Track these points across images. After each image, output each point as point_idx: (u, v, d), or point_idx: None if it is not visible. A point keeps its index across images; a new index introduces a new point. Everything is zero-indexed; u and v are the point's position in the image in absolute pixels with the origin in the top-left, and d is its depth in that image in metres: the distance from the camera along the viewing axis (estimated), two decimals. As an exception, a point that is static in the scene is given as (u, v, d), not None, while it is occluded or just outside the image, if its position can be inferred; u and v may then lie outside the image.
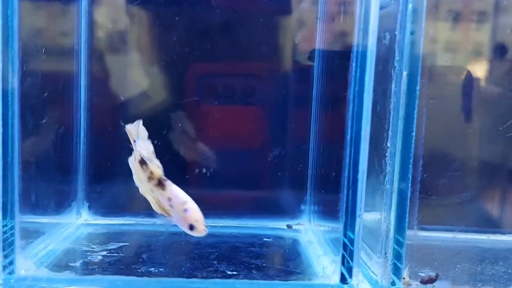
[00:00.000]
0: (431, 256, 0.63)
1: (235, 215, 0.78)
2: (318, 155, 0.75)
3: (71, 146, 0.75)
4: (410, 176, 0.51)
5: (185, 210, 0.48)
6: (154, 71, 0.78)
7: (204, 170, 0.77)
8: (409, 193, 0.51)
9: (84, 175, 0.76)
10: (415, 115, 0.50)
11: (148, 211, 0.77)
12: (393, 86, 0.52)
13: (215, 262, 0.59)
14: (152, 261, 0.59)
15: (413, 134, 0.51)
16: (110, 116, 0.77)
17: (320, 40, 0.73)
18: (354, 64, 0.51)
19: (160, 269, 0.57)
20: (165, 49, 0.76)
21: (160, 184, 0.49)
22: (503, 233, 0.74)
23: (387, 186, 0.53)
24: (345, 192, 0.53)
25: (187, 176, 0.77)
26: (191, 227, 0.47)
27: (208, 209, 0.77)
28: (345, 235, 0.54)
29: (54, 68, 0.72)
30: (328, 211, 0.68)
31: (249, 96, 0.79)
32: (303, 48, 0.78)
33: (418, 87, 0.50)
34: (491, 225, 0.74)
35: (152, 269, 0.57)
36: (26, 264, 0.54)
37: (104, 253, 0.62)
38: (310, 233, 0.73)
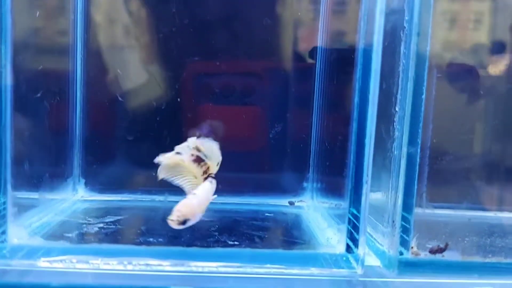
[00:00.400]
0: (439, 230, 0.61)
1: (235, 192, 0.76)
2: (321, 130, 0.73)
3: (66, 123, 0.73)
4: (419, 140, 0.49)
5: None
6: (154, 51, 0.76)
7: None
8: (418, 159, 0.49)
9: (81, 152, 0.74)
10: (426, 76, 0.48)
11: (146, 188, 0.77)
12: (402, 47, 0.50)
13: (216, 233, 0.57)
14: (151, 232, 0.57)
15: (423, 96, 0.49)
16: (108, 92, 0.74)
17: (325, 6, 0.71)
18: (361, 24, 0.49)
19: (159, 239, 0.55)
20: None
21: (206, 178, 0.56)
22: (511, 211, 0.73)
23: (395, 152, 0.51)
24: (352, 158, 0.51)
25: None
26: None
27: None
28: (351, 203, 0.52)
29: (49, 41, 0.70)
30: (332, 186, 0.66)
31: (250, 74, 0.77)
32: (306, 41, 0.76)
33: (429, 47, 0.48)
34: (498, 203, 0.73)
35: (151, 239, 0.55)
36: (19, 232, 0.52)
37: (101, 225, 0.59)
38: (313, 210, 0.71)
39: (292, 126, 0.76)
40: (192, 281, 0.49)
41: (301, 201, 0.74)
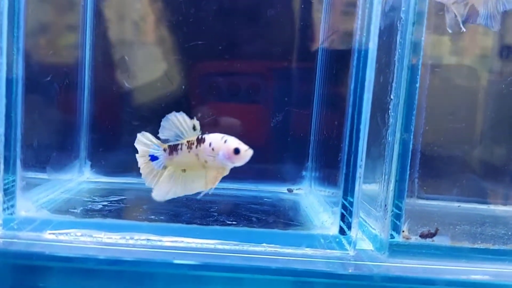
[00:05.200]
0: (431, 217, 0.63)
1: (237, 179, 0.78)
2: (320, 120, 0.75)
3: (75, 106, 0.75)
4: (412, 127, 0.51)
5: (225, 141, 0.50)
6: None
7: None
8: (411, 145, 0.51)
9: (87, 135, 0.76)
10: (420, 65, 0.50)
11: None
12: (398, 37, 0.52)
13: (215, 213, 0.59)
14: (153, 210, 0.60)
15: (417, 85, 0.51)
16: (115, 76, 0.77)
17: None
18: (359, 12, 0.51)
19: (161, 217, 0.57)
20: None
21: (199, 141, 0.51)
22: (505, 205, 0.74)
23: (389, 139, 0.52)
24: (347, 143, 0.53)
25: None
26: (237, 151, 0.49)
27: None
28: (345, 187, 0.54)
29: (59, 26, 0.72)
30: (328, 175, 0.68)
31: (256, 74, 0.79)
32: None
33: (423, 37, 0.50)
34: (492, 196, 0.74)
35: (153, 216, 0.57)
36: (26, 206, 0.55)
37: (105, 203, 0.62)
38: (311, 197, 0.73)
39: (293, 117, 0.78)
40: (191, 257, 0.51)
41: (299, 188, 0.76)
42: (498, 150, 0.69)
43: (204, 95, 0.78)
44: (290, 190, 0.76)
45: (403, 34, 0.51)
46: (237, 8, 0.76)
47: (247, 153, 0.49)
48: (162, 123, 0.52)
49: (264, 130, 0.78)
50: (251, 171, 0.80)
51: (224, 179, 0.80)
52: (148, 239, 0.52)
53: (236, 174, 0.81)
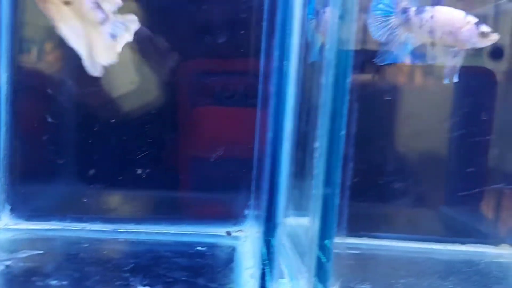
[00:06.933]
0: (371, 269, 0.57)
1: (173, 220, 0.72)
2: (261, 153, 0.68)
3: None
4: (338, 180, 0.45)
5: None
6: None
7: (139, 171, 0.71)
8: (336, 200, 0.45)
9: (6, 174, 0.69)
10: (345, 111, 0.44)
11: (76, 215, 0.72)
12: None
13: (128, 274, 0.52)
14: (58, 272, 0.53)
15: (343, 133, 0.45)
16: (37, 106, 0.69)
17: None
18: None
19: (63, 282, 0.50)
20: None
21: None
22: (463, 243, 0.69)
23: (314, 192, 0.46)
24: (267, 190, 0.46)
25: (120, 178, 0.70)
26: None
27: (141, 213, 0.72)
28: (266, 242, 0.47)
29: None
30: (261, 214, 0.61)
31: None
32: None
33: (349, 79, 0.44)
34: (449, 234, 0.69)
35: (55, 282, 0.50)
36: None
37: (9, 262, 0.55)
38: (249, 241, 0.66)
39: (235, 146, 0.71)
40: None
41: (240, 230, 0.70)
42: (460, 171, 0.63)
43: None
44: (229, 233, 0.69)
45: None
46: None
47: None
48: None
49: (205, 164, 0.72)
50: (190, 208, 0.74)
51: (156, 220, 0.73)
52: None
53: (174, 214, 0.75)
